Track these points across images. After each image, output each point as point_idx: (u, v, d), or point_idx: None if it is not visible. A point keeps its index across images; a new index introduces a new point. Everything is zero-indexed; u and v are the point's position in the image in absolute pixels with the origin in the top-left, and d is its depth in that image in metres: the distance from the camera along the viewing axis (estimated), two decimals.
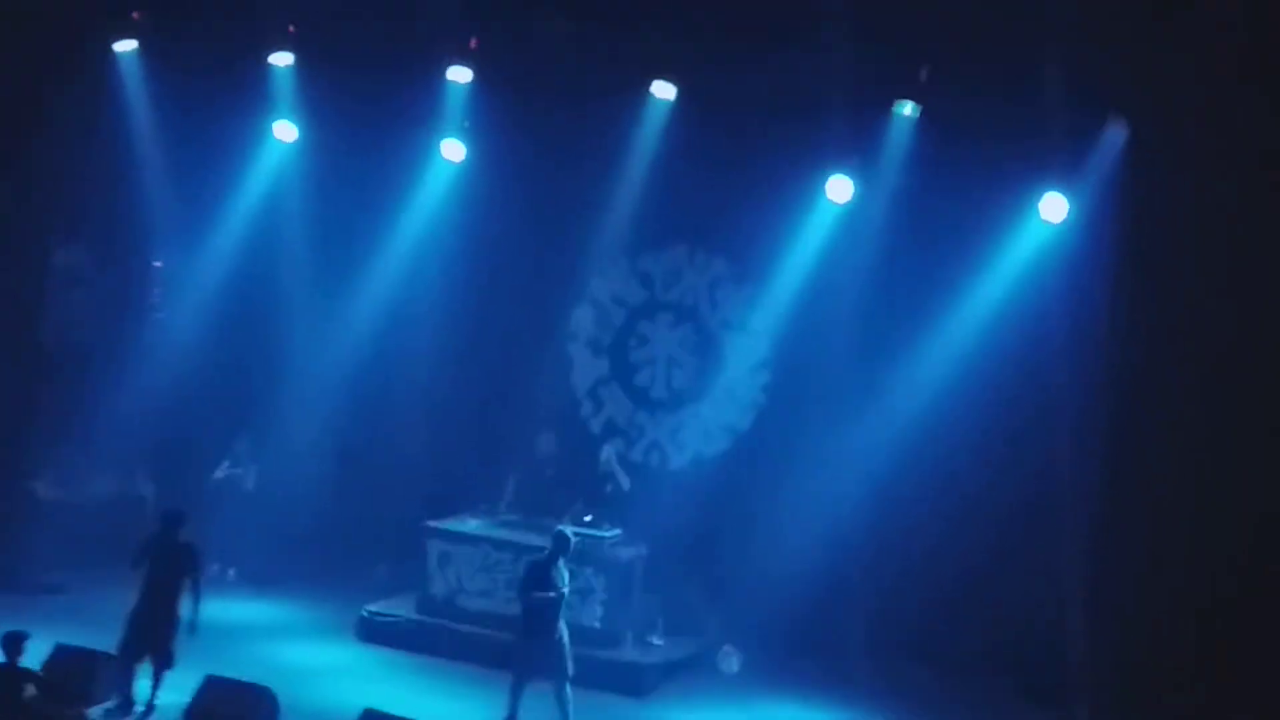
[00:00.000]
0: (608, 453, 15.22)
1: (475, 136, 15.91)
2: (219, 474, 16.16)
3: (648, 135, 15.36)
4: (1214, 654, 12.88)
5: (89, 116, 16.12)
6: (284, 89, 15.99)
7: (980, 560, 14.53)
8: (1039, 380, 14.25)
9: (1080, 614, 13.77)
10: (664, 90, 14.94)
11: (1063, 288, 14.04)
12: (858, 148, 14.47)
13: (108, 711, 11.93)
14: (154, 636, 12.08)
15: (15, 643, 11.01)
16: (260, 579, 15.91)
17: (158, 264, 17.33)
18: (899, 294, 14.76)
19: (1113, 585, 13.65)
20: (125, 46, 15.91)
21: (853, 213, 14.90)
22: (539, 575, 12.40)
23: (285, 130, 16.29)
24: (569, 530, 12.78)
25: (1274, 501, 12.94)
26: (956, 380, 14.40)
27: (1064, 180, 13.68)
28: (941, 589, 14.64)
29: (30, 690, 11.26)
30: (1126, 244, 13.86)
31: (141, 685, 12.12)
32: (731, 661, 14.61)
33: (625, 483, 14.85)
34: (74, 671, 11.87)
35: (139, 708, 12.05)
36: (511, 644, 12.72)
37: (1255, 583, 12.74)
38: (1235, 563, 12.95)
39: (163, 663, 12.11)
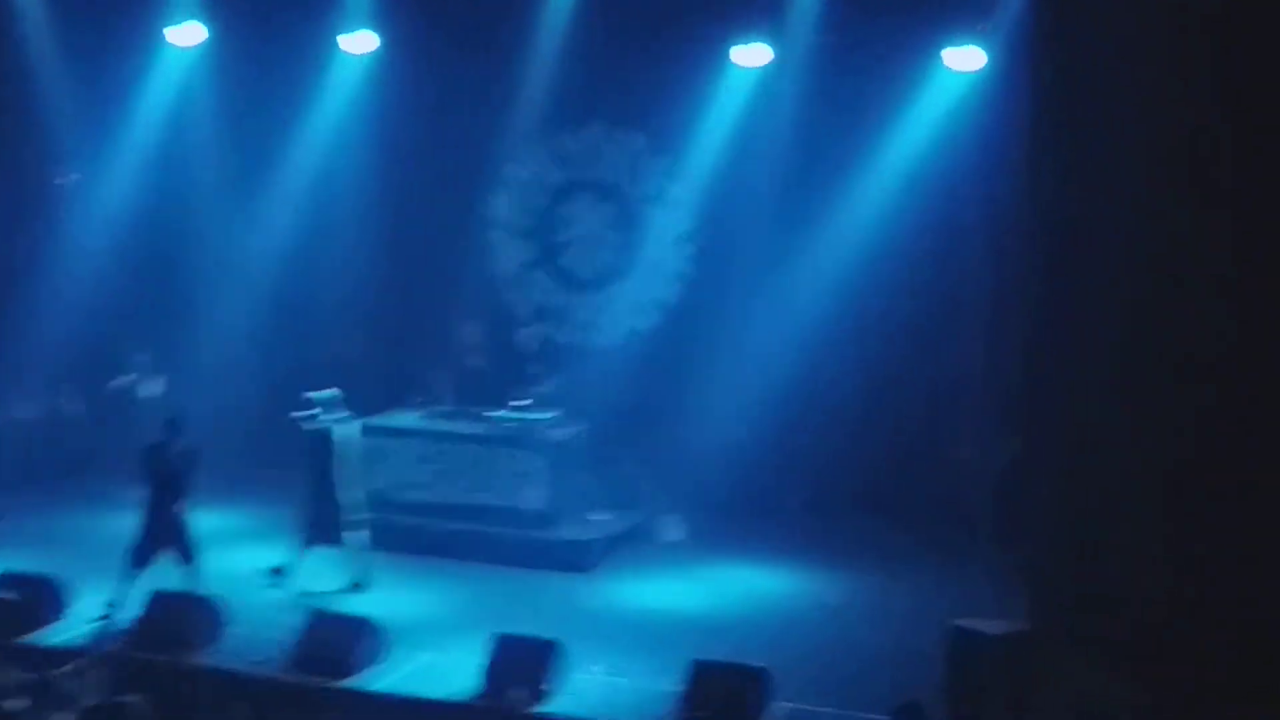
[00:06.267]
0: (529, 335, 15.24)
1: (382, 26, 15.62)
2: (114, 384, 15.95)
3: (556, 13, 15.17)
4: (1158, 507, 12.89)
5: None
6: None
7: (911, 412, 14.69)
8: (959, 233, 14.34)
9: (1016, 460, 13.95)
10: None
11: (978, 140, 14.03)
12: (767, 11, 14.34)
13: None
14: (166, 537, 11.81)
15: None
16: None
17: (60, 180, 16.94)
18: (817, 155, 14.76)
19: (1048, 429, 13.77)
20: None
21: (767, 77, 14.83)
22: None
23: (183, 33, 15.91)
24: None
25: (1198, 358, 12.93)
26: (879, 236, 14.48)
27: (975, 30, 13.61)
28: (875, 443, 14.82)
29: None
30: (1040, 92, 13.79)
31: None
32: (675, 530, 14.76)
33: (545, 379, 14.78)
34: (22, 595, 11.71)
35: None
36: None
37: (1188, 436, 12.76)
38: (1166, 417, 12.97)
39: (184, 556, 11.88)
